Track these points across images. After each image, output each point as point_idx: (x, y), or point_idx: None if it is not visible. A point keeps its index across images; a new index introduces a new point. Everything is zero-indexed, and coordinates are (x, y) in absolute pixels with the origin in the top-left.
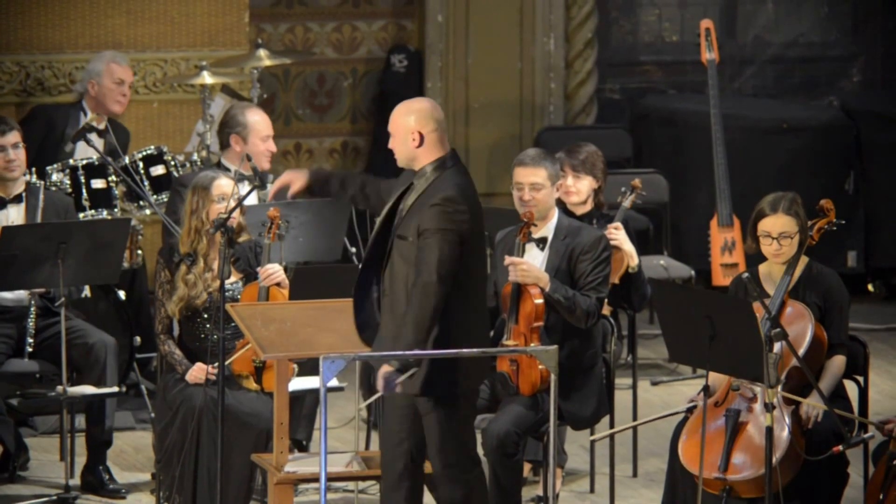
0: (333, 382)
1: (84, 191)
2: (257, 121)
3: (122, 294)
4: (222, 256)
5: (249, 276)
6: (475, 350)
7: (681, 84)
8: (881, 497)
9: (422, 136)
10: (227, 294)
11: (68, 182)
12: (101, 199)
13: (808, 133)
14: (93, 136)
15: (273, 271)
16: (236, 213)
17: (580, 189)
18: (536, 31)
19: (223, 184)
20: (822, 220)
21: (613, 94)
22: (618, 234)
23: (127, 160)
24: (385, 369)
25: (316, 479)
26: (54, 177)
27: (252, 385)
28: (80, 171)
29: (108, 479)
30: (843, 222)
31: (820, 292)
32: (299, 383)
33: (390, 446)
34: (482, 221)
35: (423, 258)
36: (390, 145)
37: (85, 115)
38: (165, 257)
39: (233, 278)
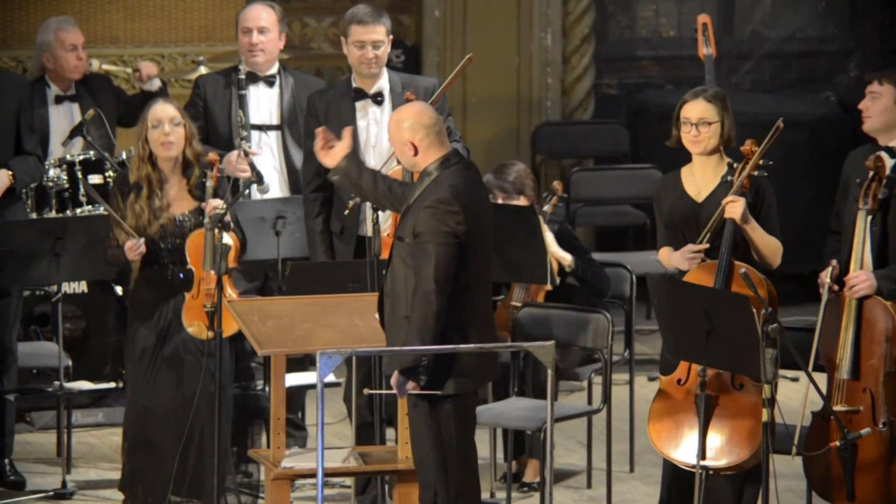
0: (330, 378)
1: (81, 186)
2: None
3: (118, 289)
4: (219, 253)
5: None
6: (472, 346)
7: (678, 79)
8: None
9: (414, 146)
10: (179, 226)
11: (65, 178)
12: (98, 194)
13: (806, 128)
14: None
15: (216, 204)
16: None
17: None
18: (534, 26)
19: (157, 108)
20: (750, 164)
21: (610, 89)
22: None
23: (124, 155)
24: (395, 377)
25: (313, 475)
26: (51, 172)
27: (204, 333)
28: (77, 167)
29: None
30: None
31: (751, 195)
32: (296, 378)
33: (420, 447)
34: (485, 219)
35: (420, 264)
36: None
37: (49, 88)
38: (119, 185)
39: (186, 210)
